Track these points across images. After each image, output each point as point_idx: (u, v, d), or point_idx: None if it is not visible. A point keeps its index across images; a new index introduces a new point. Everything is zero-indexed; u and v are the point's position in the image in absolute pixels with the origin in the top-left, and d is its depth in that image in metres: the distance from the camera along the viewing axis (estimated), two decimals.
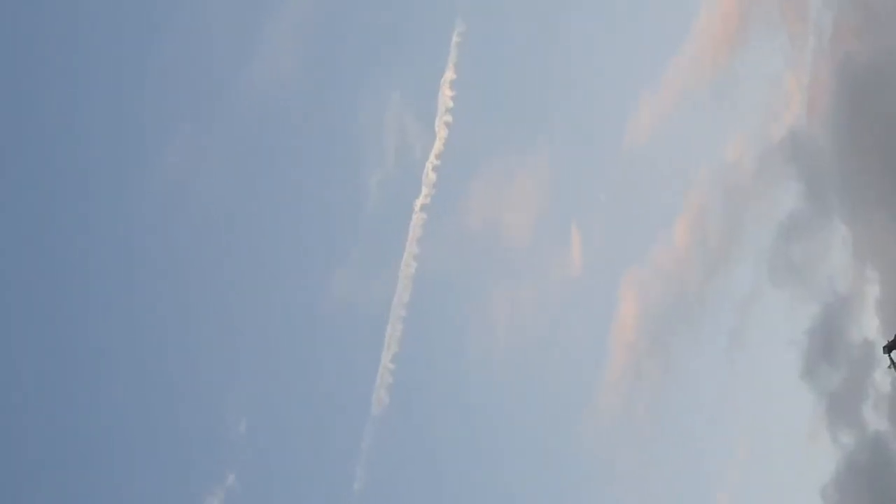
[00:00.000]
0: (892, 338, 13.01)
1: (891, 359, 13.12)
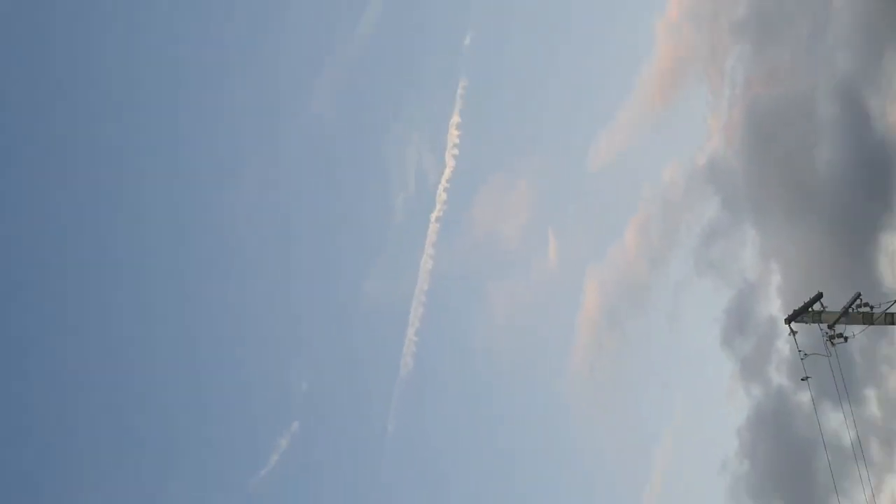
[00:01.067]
0: (790, 312, 14.37)
1: (790, 328, 14.45)
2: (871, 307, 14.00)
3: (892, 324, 13.87)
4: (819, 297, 14.23)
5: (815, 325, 14.24)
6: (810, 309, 14.22)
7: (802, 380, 14.27)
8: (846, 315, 13.98)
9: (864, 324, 14.00)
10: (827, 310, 14.18)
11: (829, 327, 14.09)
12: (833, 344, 14.07)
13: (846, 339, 14.10)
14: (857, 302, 14.02)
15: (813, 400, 14.76)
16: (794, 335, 14.32)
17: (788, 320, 14.37)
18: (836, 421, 15.62)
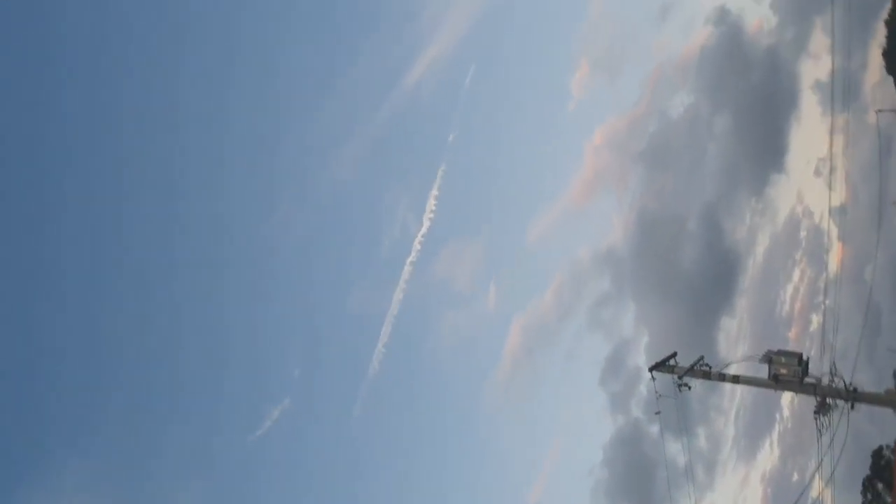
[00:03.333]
0: (653, 363, 19.42)
1: (651, 374, 19.41)
2: (710, 367, 19.08)
3: (722, 381, 18.98)
4: (674, 354, 19.33)
5: (669, 375, 19.27)
6: (667, 362, 19.28)
7: (656, 413, 19.19)
8: (691, 370, 19.01)
9: (703, 378, 19.05)
10: (679, 365, 19.25)
11: (679, 378, 19.10)
12: (680, 390, 19.05)
13: (690, 387, 19.11)
14: (700, 362, 19.10)
15: (661, 429, 19.66)
16: (654, 380, 19.31)
17: (651, 368, 19.37)
18: (674, 448, 20.52)
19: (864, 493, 59.31)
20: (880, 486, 57.70)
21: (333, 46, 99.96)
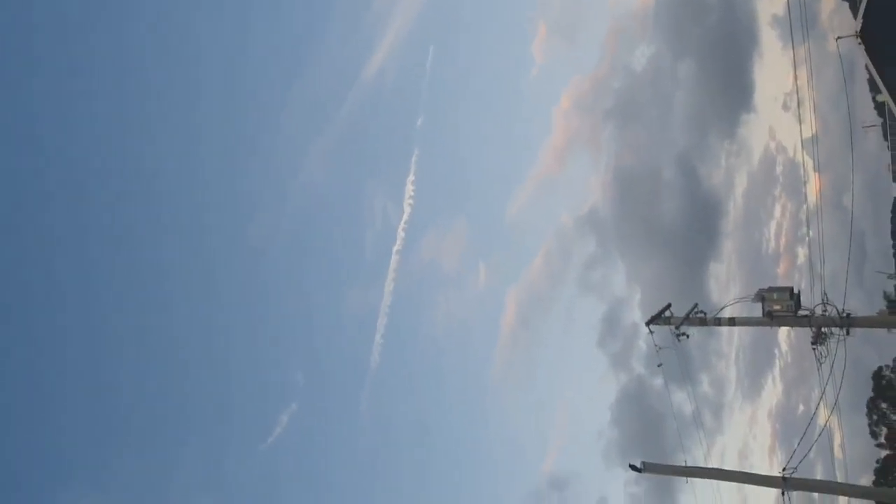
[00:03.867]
0: (649, 318, 19.62)
1: (649, 328, 19.63)
2: (705, 313, 19.33)
3: (719, 325, 19.23)
4: (668, 306, 19.55)
5: (666, 327, 19.50)
6: (663, 315, 19.51)
7: (658, 366, 19.45)
8: (687, 319, 19.24)
9: (699, 325, 19.31)
10: (674, 316, 19.49)
11: (676, 328, 19.35)
12: (678, 340, 19.31)
13: (688, 336, 19.35)
14: (695, 310, 19.34)
15: (665, 381, 19.93)
16: (652, 333, 19.54)
17: (648, 323, 19.58)
18: (679, 398, 20.81)
19: (868, 414, 60.53)
20: (884, 405, 58.87)
21: (289, 47, 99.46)
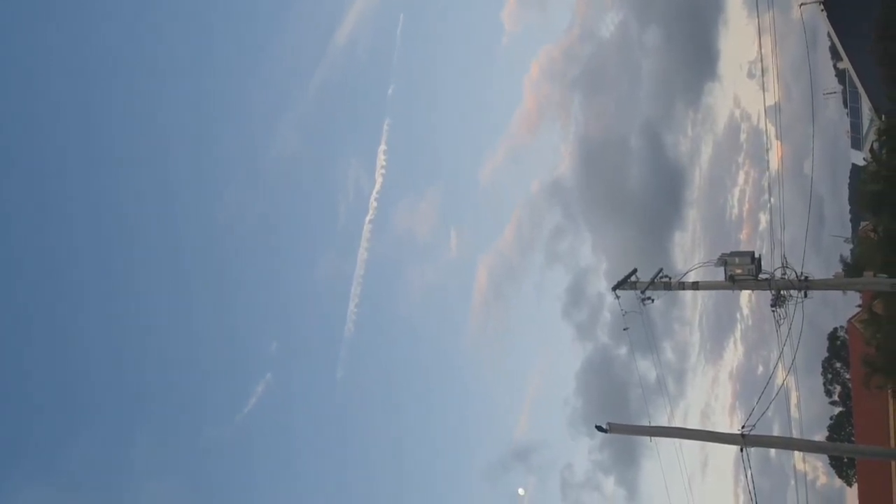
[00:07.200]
0: (615, 283, 19.98)
1: (616, 293, 19.99)
2: (670, 278, 19.77)
3: (683, 289, 19.71)
4: (634, 271, 19.93)
5: (632, 292, 19.91)
6: (629, 279, 19.91)
7: (624, 329, 19.88)
8: (653, 284, 19.66)
9: (664, 290, 19.75)
10: (640, 280, 19.91)
11: (642, 292, 19.77)
12: (644, 304, 19.76)
13: (653, 301, 19.80)
14: (660, 274, 19.76)
15: (630, 345, 20.45)
16: (618, 298, 19.95)
17: (614, 287, 19.95)
18: (644, 365, 21.42)
19: (824, 373, 62.73)
20: (838, 364, 61.00)
21: (258, 17, 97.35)
